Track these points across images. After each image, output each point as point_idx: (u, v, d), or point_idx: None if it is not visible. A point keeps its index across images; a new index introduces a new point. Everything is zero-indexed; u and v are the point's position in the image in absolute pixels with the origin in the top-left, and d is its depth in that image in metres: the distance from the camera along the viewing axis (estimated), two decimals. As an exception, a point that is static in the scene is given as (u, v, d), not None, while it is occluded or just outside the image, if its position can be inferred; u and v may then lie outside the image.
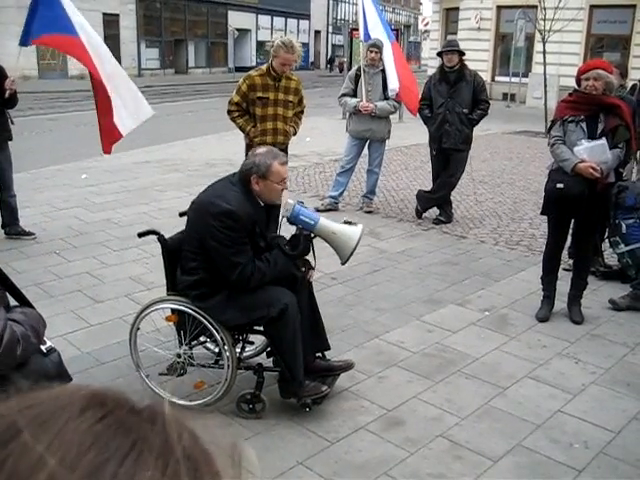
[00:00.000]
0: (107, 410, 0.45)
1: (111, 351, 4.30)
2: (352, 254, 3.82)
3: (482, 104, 7.24)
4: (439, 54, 7.30)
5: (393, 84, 7.52)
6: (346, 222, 3.88)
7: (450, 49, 7.21)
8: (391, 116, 7.85)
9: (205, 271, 3.56)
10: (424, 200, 7.70)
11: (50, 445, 0.41)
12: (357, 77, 7.73)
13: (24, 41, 6.09)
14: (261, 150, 3.65)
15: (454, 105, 7.17)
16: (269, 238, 3.74)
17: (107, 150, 6.35)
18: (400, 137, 13.19)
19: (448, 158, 7.45)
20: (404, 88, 7.63)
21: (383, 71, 7.69)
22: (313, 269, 3.98)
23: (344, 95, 7.80)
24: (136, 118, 6.20)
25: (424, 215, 7.77)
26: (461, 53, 7.21)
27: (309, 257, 3.92)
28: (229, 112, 6.14)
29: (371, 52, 7.65)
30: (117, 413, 0.45)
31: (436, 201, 7.67)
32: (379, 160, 7.97)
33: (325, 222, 3.76)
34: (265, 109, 5.99)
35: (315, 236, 3.78)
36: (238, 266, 3.45)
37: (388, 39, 7.97)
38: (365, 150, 7.98)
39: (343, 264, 4.02)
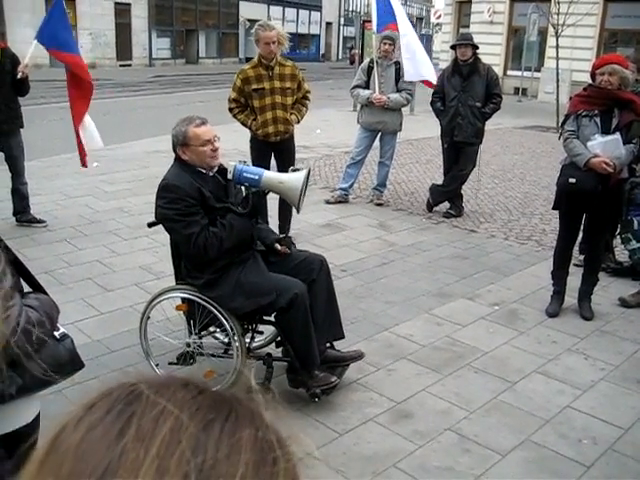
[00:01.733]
0: (201, 388, 0.54)
1: (121, 339, 4.32)
2: (301, 199, 3.71)
3: (495, 98, 7.20)
4: (453, 47, 7.27)
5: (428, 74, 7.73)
6: (293, 170, 3.83)
7: (464, 42, 7.18)
8: (403, 108, 7.83)
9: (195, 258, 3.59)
10: (436, 194, 7.68)
11: (168, 401, 0.50)
12: (370, 69, 7.70)
13: (40, 39, 6.27)
14: (177, 121, 3.66)
15: (467, 98, 7.13)
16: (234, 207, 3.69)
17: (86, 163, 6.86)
18: (411, 130, 13.14)
19: (459, 151, 7.42)
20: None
21: (396, 63, 7.69)
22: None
23: (356, 87, 7.75)
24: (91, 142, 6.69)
25: (434, 209, 7.76)
26: (475, 47, 7.18)
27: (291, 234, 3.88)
28: (230, 110, 6.14)
29: (384, 44, 7.62)
30: (209, 391, 0.54)
31: (447, 195, 7.65)
32: (391, 152, 7.95)
33: (270, 174, 3.70)
34: (262, 100, 5.95)
35: (265, 192, 3.71)
36: (192, 236, 3.46)
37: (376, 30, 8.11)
38: (376, 142, 7.96)
39: (298, 212, 3.99)
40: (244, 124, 6.11)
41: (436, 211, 7.73)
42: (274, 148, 6.17)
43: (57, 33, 6.28)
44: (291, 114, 6.09)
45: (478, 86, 7.13)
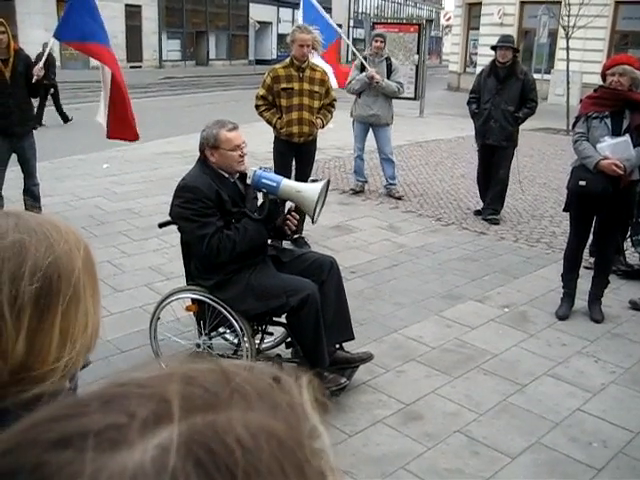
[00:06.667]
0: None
1: (131, 339, 4.33)
2: (317, 210, 3.75)
3: (530, 103, 7.08)
4: (493, 48, 7.18)
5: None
6: (312, 181, 3.86)
7: (505, 44, 7.05)
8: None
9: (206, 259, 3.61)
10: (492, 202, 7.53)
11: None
12: (363, 66, 8.05)
13: (59, 35, 6.26)
14: (208, 123, 3.68)
15: (500, 102, 7.03)
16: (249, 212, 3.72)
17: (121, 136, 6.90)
18: (420, 132, 13.17)
19: (494, 155, 7.36)
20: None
21: (387, 59, 8.10)
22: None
23: (352, 81, 8.06)
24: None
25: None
26: (515, 50, 7.12)
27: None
28: (257, 107, 6.19)
29: (376, 41, 8.11)
30: None
31: (496, 197, 7.49)
32: (390, 145, 8.30)
33: (288, 182, 3.75)
34: (290, 100, 6.01)
35: (282, 200, 3.74)
36: (205, 237, 3.48)
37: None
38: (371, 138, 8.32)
39: (314, 222, 4.00)
40: (269, 122, 6.17)
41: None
42: (296, 149, 6.22)
43: (80, 24, 6.20)
44: (317, 118, 6.14)
45: (514, 89, 7.03)
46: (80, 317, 0.97)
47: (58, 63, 21.79)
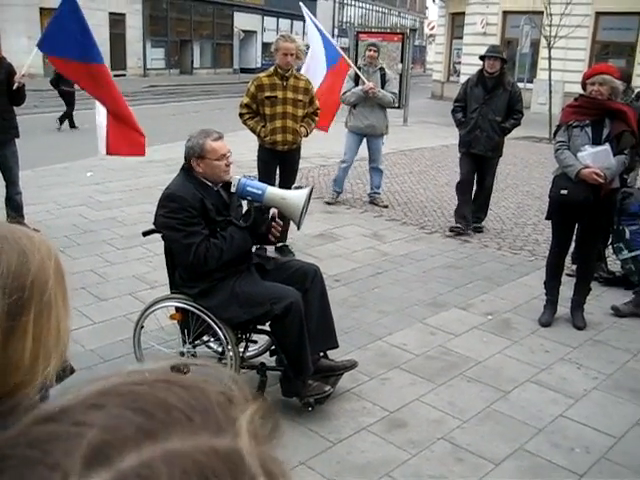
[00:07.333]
0: None
1: (115, 349, 4.31)
2: (303, 217, 3.78)
3: (516, 114, 7.12)
4: (481, 58, 7.18)
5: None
6: (296, 188, 3.89)
7: (494, 55, 7.04)
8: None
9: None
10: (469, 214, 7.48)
11: None
12: (357, 77, 8.05)
13: (41, 45, 6.20)
14: (193, 133, 3.69)
15: (487, 111, 7.04)
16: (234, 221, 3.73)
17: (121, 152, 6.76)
18: (404, 140, 13.23)
19: (479, 165, 7.35)
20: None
21: (381, 69, 8.14)
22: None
23: (347, 92, 8.02)
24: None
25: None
26: (504, 60, 7.12)
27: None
28: (240, 115, 6.19)
29: (369, 50, 8.16)
30: None
31: (481, 206, 7.52)
32: (381, 155, 8.36)
33: (273, 190, 3.78)
34: (274, 108, 6.03)
35: (267, 208, 3.77)
36: (192, 246, 3.49)
37: (326, 66, 7.98)
38: (363, 147, 8.30)
39: (298, 228, 4.04)
40: (253, 130, 6.18)
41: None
42: (280, 157, 6.23)
43: (64, 39, 6.05)
44: (301, 126, 6.15)
45: (501, 100, 7.05)
46: (53, 325, 0.97)
47: (41, 72, 21.71)
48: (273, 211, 3.85)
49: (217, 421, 0.43)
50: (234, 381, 0.49)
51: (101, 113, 6.42)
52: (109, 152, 6.64)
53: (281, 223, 3.92)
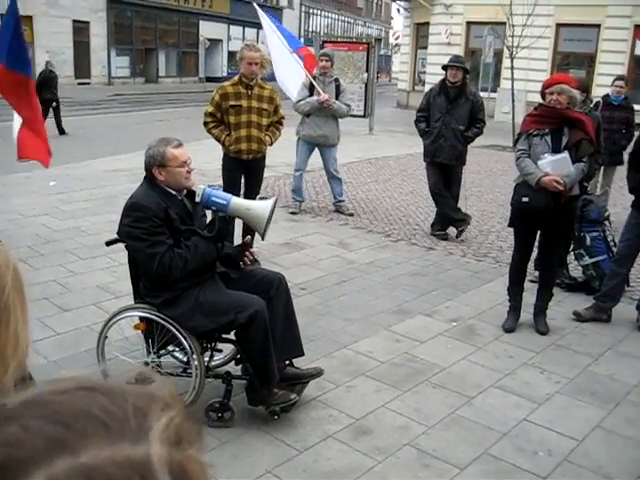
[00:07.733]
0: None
1: (78, 359, 4.26)
2: (267, 227, 3.84)
3: (479, 123, 7.24)
4: (444, 68, 7.25)
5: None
6: (261, 198, 3.94)
7: (456, 64, 7.12)
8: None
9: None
10: (442, 221, 7.64)
11: None
12: (312, 85, 8.07)
13: None
14: (152, 142, 3.70)
15: (450, 120, 7.13)
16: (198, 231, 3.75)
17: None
18: (370, 149, 13.32)
19: (445, 174, 7.45)
20: None
21: (336, 80, 8.18)
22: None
23: (300, 100, 8.05)
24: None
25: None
26: (466, 70, 7.21)
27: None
28: (205, 124, 6.19)
29: (322, 60, 8.15)
30: None
31: (447, 216, 7.58)
32: (336, 164, 8.34)
33: (238, 200, 3.82)
34: (238, 117, 6.04)
35: (231, 217, 3.82)
36: (156, 256, 3.47)
37: (291, 50, 8.32)
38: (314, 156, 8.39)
39: (263, 239, 4.07)
40: (217, 139, 6.18)
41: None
42: (245, 166, 6.22)
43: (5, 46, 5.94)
44: (265, 135, 6.16)
45: (463, 109, 7.14)
46: (10, 334, 0.96)
47: None
48: (247, 238, 3.90)
49: (134, 429, 0.42)
50: (161, 385, 0.49)
51: (17, 121, 6.37)
52: (19, 157, 6.55)
53: (254, 252, 3.99)
